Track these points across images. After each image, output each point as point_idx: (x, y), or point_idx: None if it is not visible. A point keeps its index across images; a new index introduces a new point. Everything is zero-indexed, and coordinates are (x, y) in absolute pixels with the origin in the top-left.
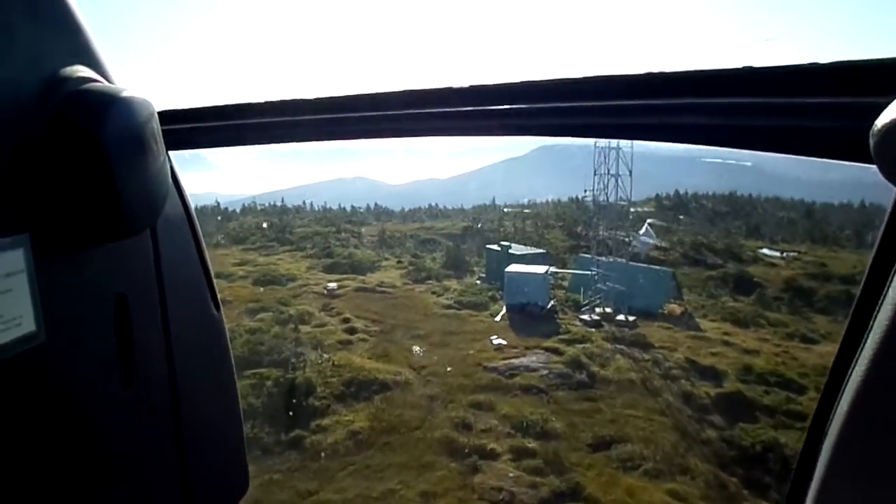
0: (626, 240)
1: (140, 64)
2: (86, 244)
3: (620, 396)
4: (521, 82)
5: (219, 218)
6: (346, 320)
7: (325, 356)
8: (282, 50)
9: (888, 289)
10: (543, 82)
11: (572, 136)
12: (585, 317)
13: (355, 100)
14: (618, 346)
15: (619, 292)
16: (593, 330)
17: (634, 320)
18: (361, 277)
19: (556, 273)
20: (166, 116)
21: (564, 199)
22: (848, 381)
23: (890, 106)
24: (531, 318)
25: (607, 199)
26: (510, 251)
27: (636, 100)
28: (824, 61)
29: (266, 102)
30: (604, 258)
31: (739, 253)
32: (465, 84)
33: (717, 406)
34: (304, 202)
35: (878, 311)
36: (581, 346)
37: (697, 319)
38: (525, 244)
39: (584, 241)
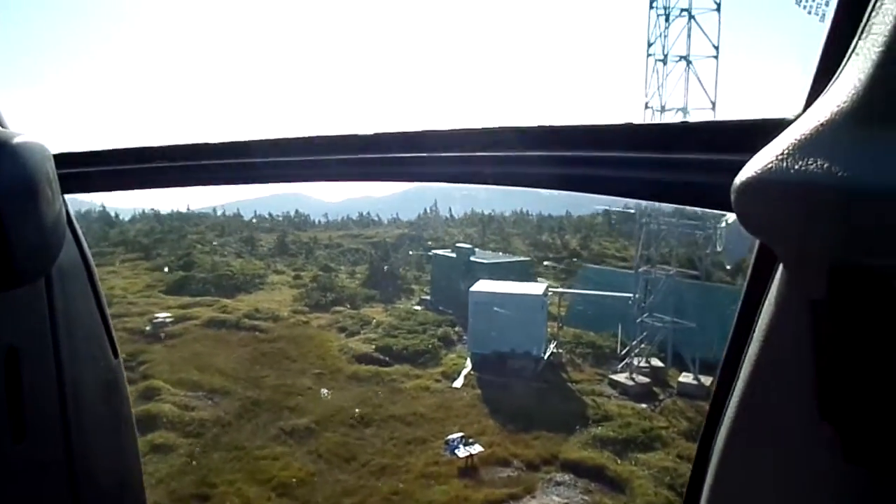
0: (704, 234)
1: (37, 105)
2: None
3: None
4: (422, 132)
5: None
6: (151, 394)
7: None
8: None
9: (756, 326)
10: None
11: (449, 182)
12: (622, 377)
13: (253, 145)
14: None
15: (683, 331)
16: (647, 407)
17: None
18: (225, 301)
19: (552, 293)
20: (63, 160)
21: (507, 212)
22: (733, 391)
23: (746, 165)
24: (521, 380)
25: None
26: (472, 258)
27: (530, 151)
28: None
29: (166, 146)
30: (646, 269)
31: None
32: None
33: None
34: (213, 210)
35: (750, 342)
36: (649, 456)
37: None
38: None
39: (553, 250)
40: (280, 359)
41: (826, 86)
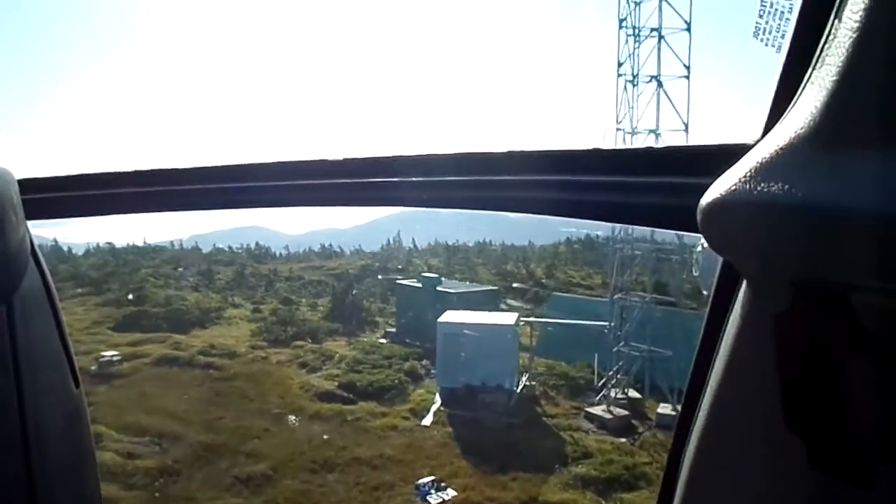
0: (678, 260)
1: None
2: None
3: None
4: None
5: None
6: (95, 440)
7: None
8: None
9: (720, 341)
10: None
11: (431, 206)
12: (599, 410)
13: (225, 170)
14: None
15: (660, 360)
16: (626, 442)
17: None
18: (179, 337)
19: (524, 322)
20: (27, 185)
21: (471, 243)
22: (700, 406)
23: (711, 187)
24: (494, 416)
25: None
26: (439, 288)
27: (498, 175)
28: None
29: (130, 172)
30: (621, 296)
31: None
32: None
33: None
34: (171, 243)
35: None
36: (633, 495)
37: None
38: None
39: (518, 279)
40: (236, 398)
41: (783, 112)
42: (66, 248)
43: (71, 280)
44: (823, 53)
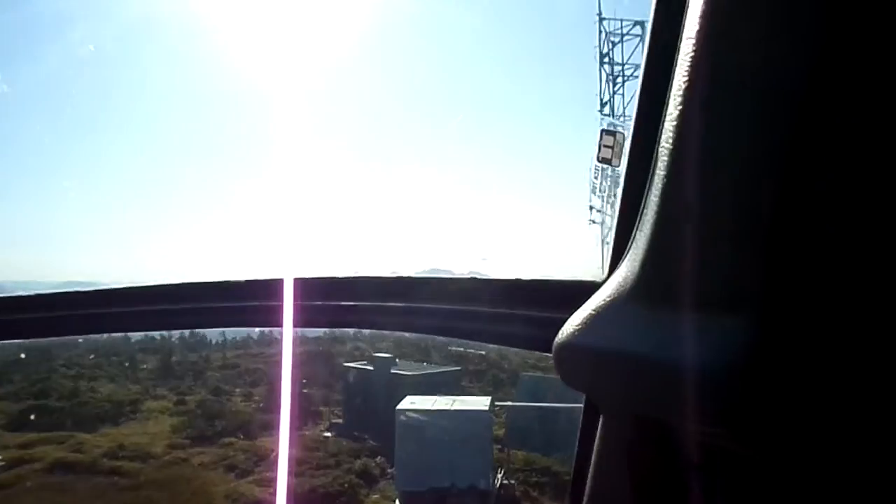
0: None
1: None
2: None
3: None
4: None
5: None
6: None
7: None
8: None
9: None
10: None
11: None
12: None
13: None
14: None
15: None
16: None
17: None
18: (82, 437)
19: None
20: None
21: None
22: None
23: (566, 324)
24: None
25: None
26: (393, 370)
27: (388, 301)
28: (525, 277)
29: (23, 296)
30: None
31: None
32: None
33: None
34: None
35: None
36: None
37: None
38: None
39: (471, 362)
40: None
41: (619, 261)
42: None
43: None
44: (642, 220)
